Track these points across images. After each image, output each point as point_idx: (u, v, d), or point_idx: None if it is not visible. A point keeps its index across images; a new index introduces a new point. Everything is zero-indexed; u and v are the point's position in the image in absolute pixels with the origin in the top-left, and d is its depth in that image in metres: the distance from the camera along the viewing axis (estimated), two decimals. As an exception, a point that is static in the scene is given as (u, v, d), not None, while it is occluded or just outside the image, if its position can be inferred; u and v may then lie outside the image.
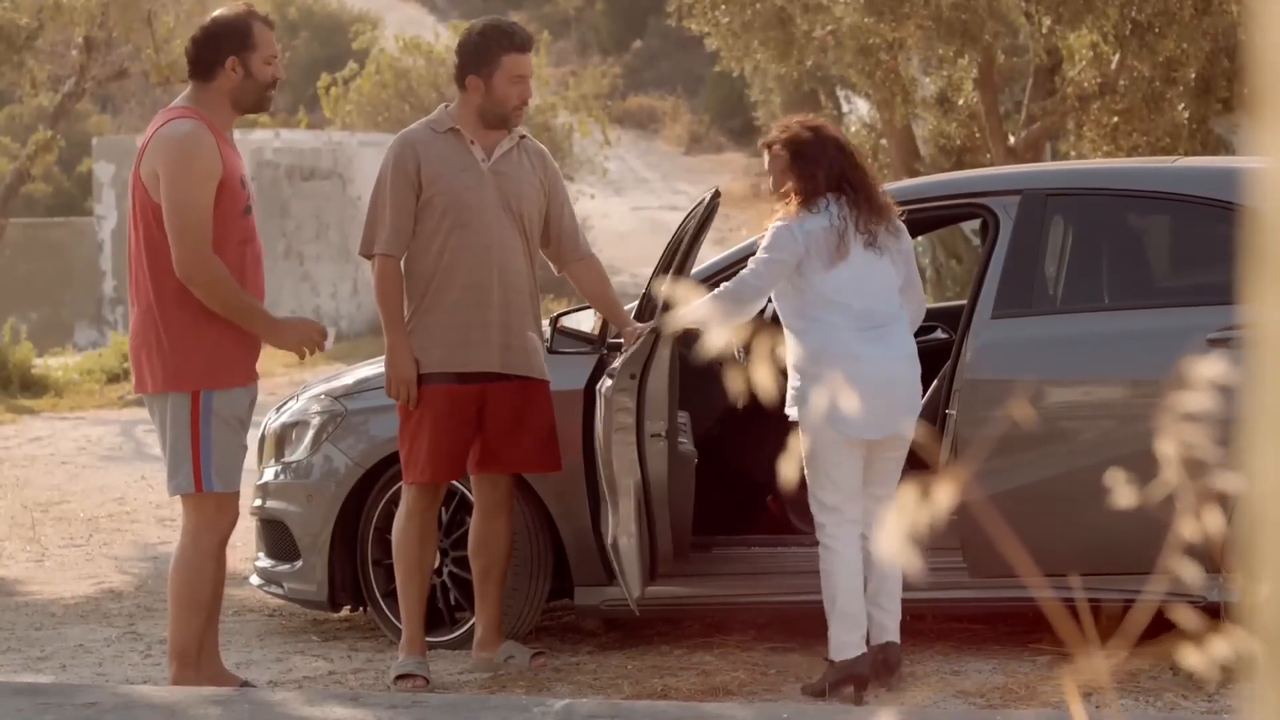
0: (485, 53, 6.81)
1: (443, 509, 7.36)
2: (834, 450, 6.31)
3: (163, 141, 6.23)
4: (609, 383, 6.65)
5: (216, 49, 6.33)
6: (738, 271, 6.63)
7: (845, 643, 6.31)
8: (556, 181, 7.01)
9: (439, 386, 6.75)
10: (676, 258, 6.79)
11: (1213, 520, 1.92)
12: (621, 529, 6.64)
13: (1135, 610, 5.65)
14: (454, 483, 7.33)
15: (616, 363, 6.69)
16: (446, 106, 6.97)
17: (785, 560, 7.14)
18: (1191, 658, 1.73)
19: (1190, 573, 1.97)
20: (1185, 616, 2.06)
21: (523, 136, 6.97)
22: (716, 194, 6.88)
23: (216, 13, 6.46)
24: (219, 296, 6.19)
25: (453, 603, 7.44)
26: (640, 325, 6.77)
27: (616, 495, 6.63)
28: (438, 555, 7.37)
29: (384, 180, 6.79)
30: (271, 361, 17.86)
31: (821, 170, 6.41)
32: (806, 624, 7.27)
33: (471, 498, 7.26)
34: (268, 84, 6.41)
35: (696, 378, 7.42)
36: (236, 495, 6.40)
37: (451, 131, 6.82)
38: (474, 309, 6.75)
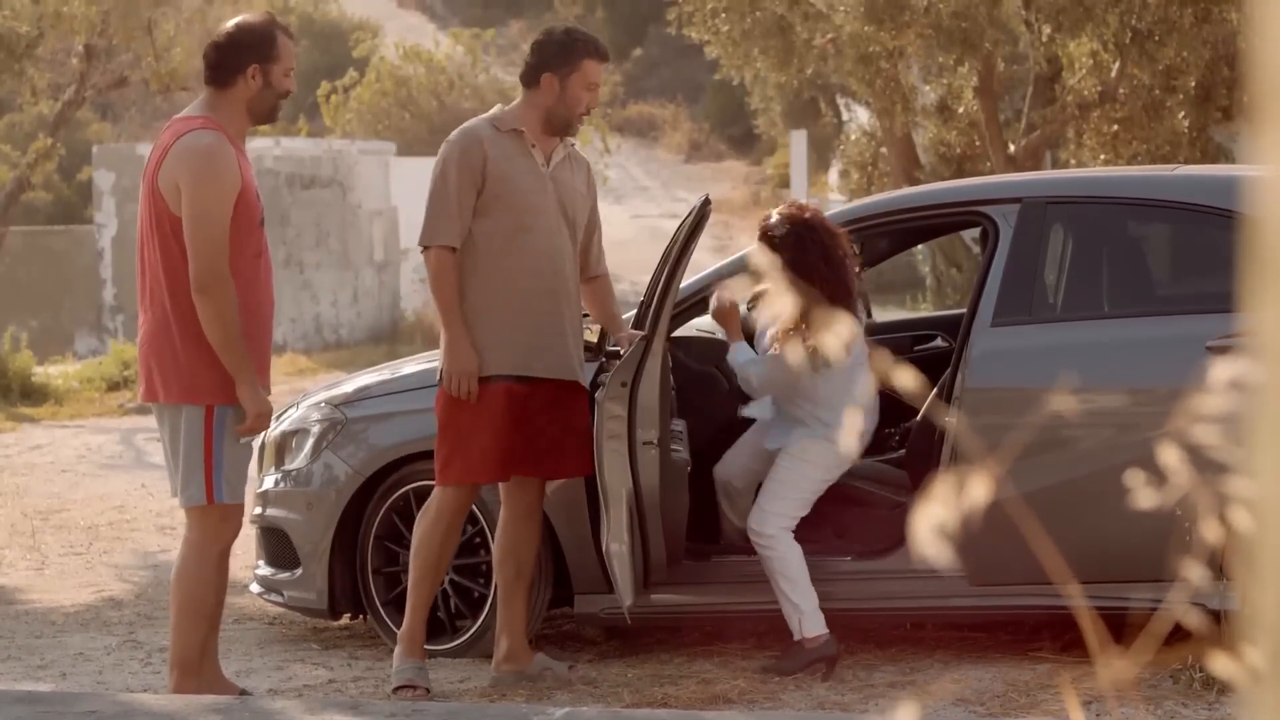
0: (569, 53, 6.79)
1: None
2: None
3: (185, 153, 6.18)
4: (600, 390, 6.67)
5: (239, 56, 6.30)
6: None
7: (818, 621, 6.79)
8: (595, 196, 7.04)
9: (500, 385, 6.67)
10: (667, 266, 6.80)
11: (1214, 527, 1.92)
12: (613, 536, 6.64)
13: (1136, 618, 5.65)
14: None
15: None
16: (504, 107, 6.92)
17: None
18: (1199, 664, 1.73)
19: (1195, 579, 1.97)
20: (1190, 623, 2.06)
21: (572, 144, 6.96)
22: (707, 201, 6.88)
23: (240, 19, 6.43)
24: (223, 320, 6.13)
25: (453, 610, 7.44)
26: (635, 332, 6.78)
27: (609, 503, 6.64)
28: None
29: (448, 173, 6.68)
30: (271, 369, 17.78)
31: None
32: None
33: (474, 506, 7.26)
34: (282, 95, 6.41)
35: (694, 386, 7.41)
36: (241, 506, 6.41)
37: (515, 132, 6.77)
38: (541, 314, 6.70)
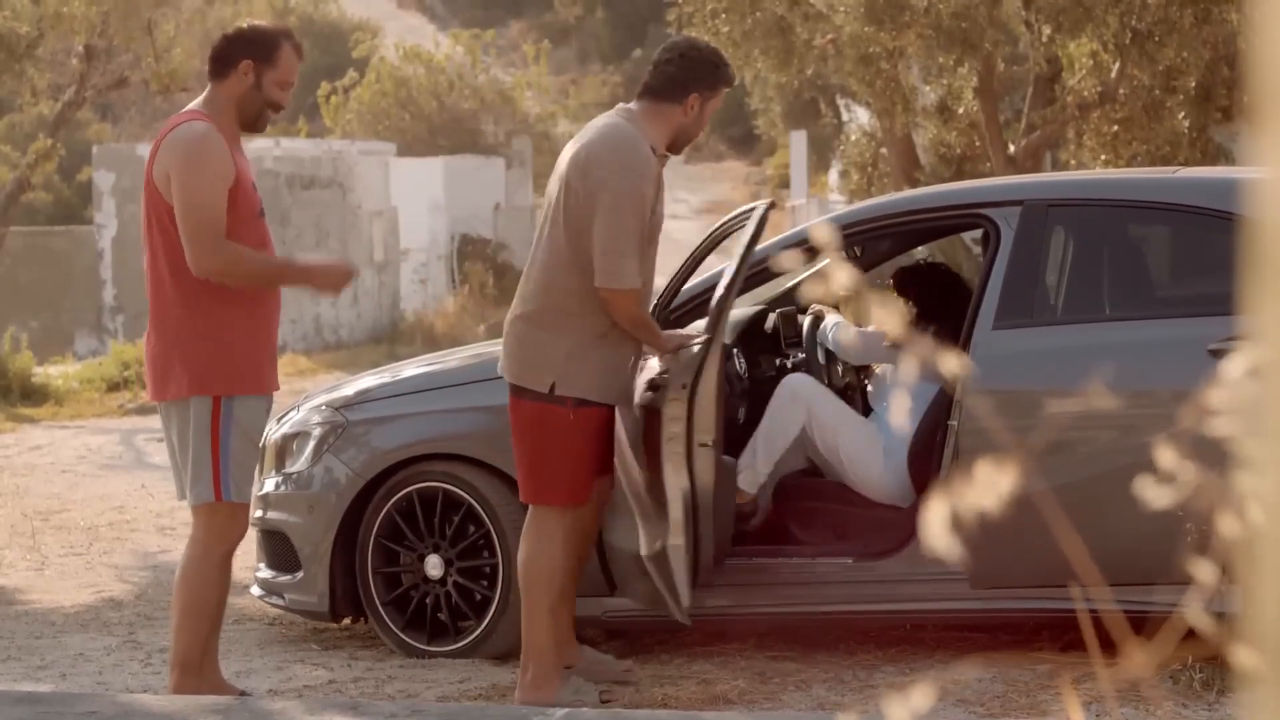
0: (716, 78, 6.42)
1: (454, 517, 7.35)
2: None
3: (175, 143, 6.24)
4: (649, 394, 6.50)
5: (236, 49, 6.35)
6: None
7: (755, 485, 7.35)
8: None
9: (601, 410, 6.44)
10: (729, 270, 6.60)
11: (1217, 529, 1.92)
12: (673, 537, 6.47)
13: (1137, 620, 5.64)
14: (462, 492, 7.32)
15: (651, 368, 6.53)
16: (632, 114, 6.43)
17: (781, 571, 7.10)
18: (1199, 665, 1.73)
19: (1200, 581, 1.97)
20: (1200, 625, 2.06)
21: None
22: (771, 205, 6.72)
23: (254, 20, 6.50)
24: (243, 273, 6.20)
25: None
26: (677, 333, 6.66)
27: (664, 504, 6.50)
28: (444, 564, 7.37)
29: (639, 207, 6.22)
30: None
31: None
32: (806, 633, 7.27)
33: (479, 507, 7.25)
34: (271, 104, 6.41)
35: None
36: (248, 507, 6.42)
37: (660, 157, 6.40)
38: (635, 345, 6.48)
